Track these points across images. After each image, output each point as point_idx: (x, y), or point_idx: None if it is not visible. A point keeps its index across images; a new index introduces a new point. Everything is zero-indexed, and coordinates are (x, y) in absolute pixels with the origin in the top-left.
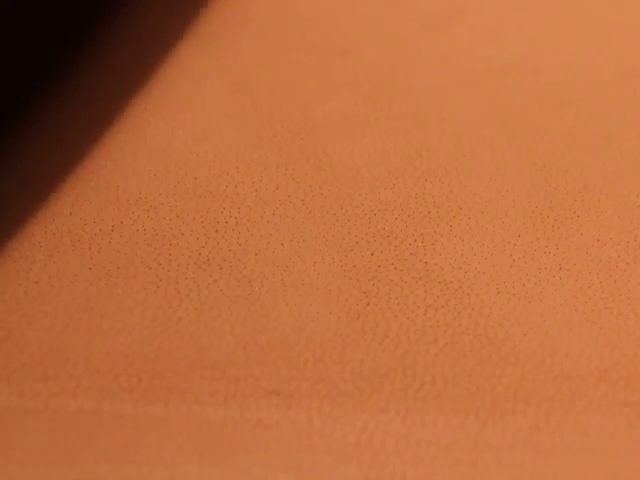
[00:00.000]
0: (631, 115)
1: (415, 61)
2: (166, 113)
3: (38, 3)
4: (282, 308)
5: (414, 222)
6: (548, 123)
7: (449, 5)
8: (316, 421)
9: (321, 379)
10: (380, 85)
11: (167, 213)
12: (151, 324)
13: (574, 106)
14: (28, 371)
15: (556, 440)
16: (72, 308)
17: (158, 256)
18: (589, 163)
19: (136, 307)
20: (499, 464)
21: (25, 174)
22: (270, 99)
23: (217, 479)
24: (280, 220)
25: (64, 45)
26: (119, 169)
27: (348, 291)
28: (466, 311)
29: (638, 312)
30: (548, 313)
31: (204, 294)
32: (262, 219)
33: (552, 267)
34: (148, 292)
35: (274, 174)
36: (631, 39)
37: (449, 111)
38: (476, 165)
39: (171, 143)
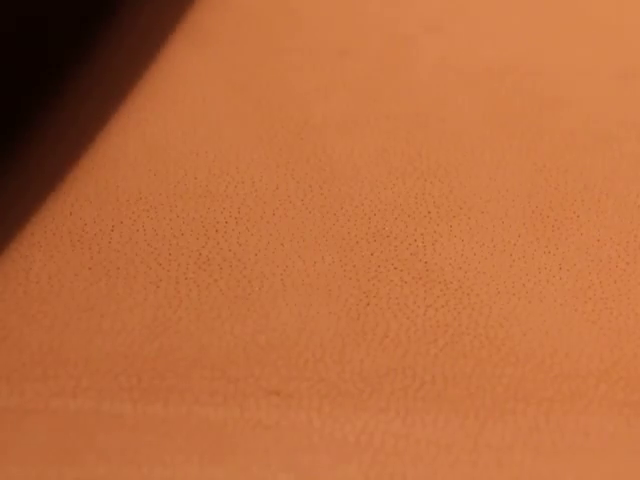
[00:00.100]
0: (631, 115)
1: (415, 61)
2: (166, 113)
3: (39, 4)
4: (282, 308)
5: (414, 222)
6: (548, 123)
7: (449, 5)
8: (316, 421)
9: (321, 379)
10: (380, 85)
11: (167, 213)
12: (151, 324)
13: (574, 106)
14: (28, 371)
15: (556, 440)
16: (72, 308)
17: (158, 256)
18: (589, 163)
19: (136, 307)
20: (499, 464)
21: (25, 174)
22: (270, 99)
23: (217, 479)
24: (280, 220)
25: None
26: (119, 169)
27: (348, 291)
28: (466, 311)
29: (638, 312)
30: (548, 313)
31: (204, 294)
32: (262, 219)
33: (552, 267)
34: (148, 292)
35: (274, 174)
36: (631, 39)
37: (449, 111)
38: (476, 165)
39: (171, 143)
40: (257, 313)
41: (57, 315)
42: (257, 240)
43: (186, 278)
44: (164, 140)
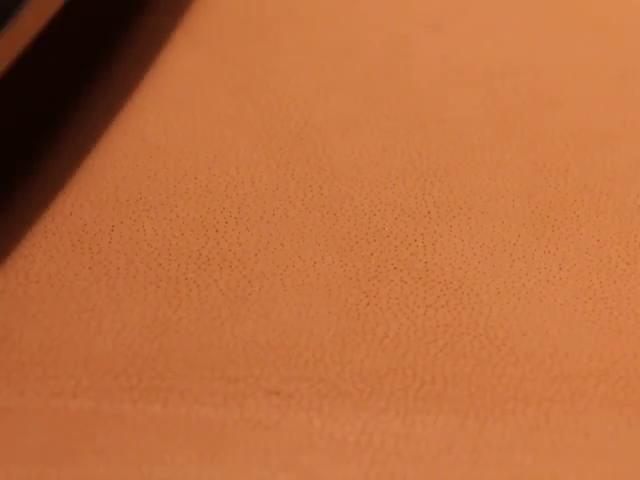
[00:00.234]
0: (631, 115)
1: (415, 61)
2: (166, 113)
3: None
4: (282, 308)
5: (414, 222)
6: (548, 123)
7: (449, 5)
8: (316, 421)
9: (321, 379)
10: (380, 85)
11: (167, 213)
12: (151, 324)
13: (574, 106)
14: (28, 371)
15: (556, 440)
16: (72, 308)
17: (158, 256)
18: (589, 163)
19: (136, 307)
20: (499, 464)
21: (25, 174)
22: (270, 99)
23: (217, 479)
24: (280, 220)
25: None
26: (119, 169)
27: (348, 291)
28: (466, 311)
29: (638, 312)
30: (548, 313)
31: (204, 294)
32: (262, 219)
33: (552, 267)
34: (148, 292)
35: (274, 174)
36: (631, 39)
37: (449, 111)
38: (476, 165)
39: (171, 143)
40: (257, 313)
41: (57, 315)
42: (257, 240)
43: (186, 278)
44: (164, 140)
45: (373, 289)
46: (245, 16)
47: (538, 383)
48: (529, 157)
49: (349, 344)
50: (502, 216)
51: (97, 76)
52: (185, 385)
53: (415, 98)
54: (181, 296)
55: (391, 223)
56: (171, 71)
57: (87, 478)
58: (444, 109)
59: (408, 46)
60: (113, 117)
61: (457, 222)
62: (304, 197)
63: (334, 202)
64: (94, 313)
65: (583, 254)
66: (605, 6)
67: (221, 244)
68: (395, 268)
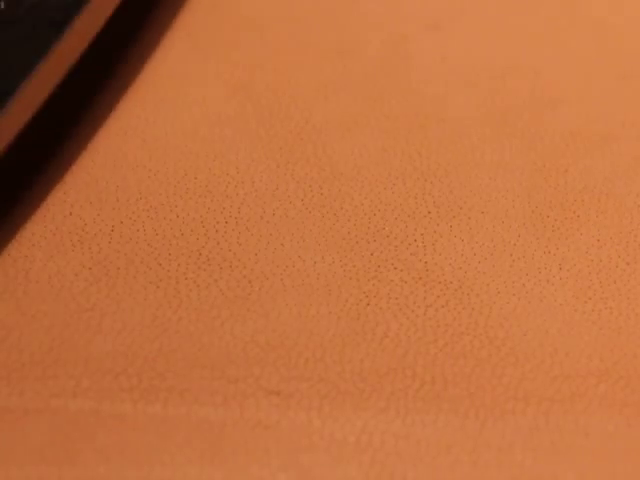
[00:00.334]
0: (631, 115)
1: (415, 61)
2: (166, 113)
3: None
4: (282, 308)
5: (414, 222)
6: (548, 123)
7: (449, 5)
8: (316, 421)
9: (321, 379)
10: (380, 85)
11: (167, 213)
12: (151, 324)
13: (574, 106)
14: (28, 371)
15: (556, 440)
16: (72, 308)
17: (158, 256)
18: (589, 163)
19: (136, 307)
20: (499, 464)
21: (25, 174)
22: (270, 99)
23: (217, 479)
24: (280, 220)
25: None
26: (119, 169)
27: (348, 291)
28: (466, 311)
29: (638, 312)
30: (548, 313)
31: (204, 294)
32: (262, 219)
33: (552, 267)
34: (148, 292)
35: (274, 174)
36: (631, 39)
37: (449, 111)
38: (476, 165)
39: (171, 143)
40: (257, 313)
41: (57, 315)
42: (257, 240)
43: (186, 278)
44: (164, 140)
45: (373, 289)
46: (245, 16)
47: (538, 383)
48: (529, 157)
49: (349, 344)
50: (502, 216)
51: (97, 76)
52: (185, 385)
53: (415, 98)
54: (181, 296)
55: (391, 223)
56: (171, 71)
57: (87, 478)
58: (444, 109)
59: (408, 46)
60: (113, 117)
61: (457, 222)
62: (304, 197)
63: (334, 202)
64: (94, 313)
65: (583, 254)
66: (605, 6)
67: (221, 244)
68: (395, 268)
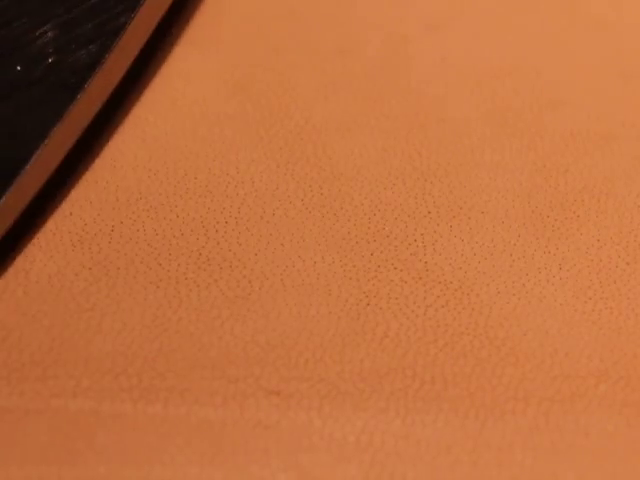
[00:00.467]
0: (631, 115)
1: (415, 61)
2: (166, 113)
3: None
4: (282, 308)
5: (414, 222)
6: (548, 123)
7: (449, 5)
8: (316, 421)
9: (321, 379)
10: (380, 85)
11: (167, 213)
12: (151, 324)
13: (574, 106)
14: (28, 371)
15: (556, 440)
16: (72, 308)
17: (158, 256)
18: (589, 163)
19: (136, 307)
20: (499, 464)
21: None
22: (270, 99)
23: (217, 479)
24: (280, 220)
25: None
26: (119, 169)
27: (348, 291)
28: (466, 311)
29: (638, 312)
30: (548, 313)
31: (204, 294)
32: (262, 219)
33: (552, 267)
34: (148, 292)
35: (274, 174)
36: (631, 39)
37: (449, 111)
38: (476, 165)
39: (171, 143)
40: (257, 313)
41: (57, 315)
42: (257, 240)
43: (186, 278)
44: (164, 140)
45: (373, 289)
46: (245, 16)
47: (538, 383)
48: (529, 157)
49: (349, 344)
50: (502, 216)
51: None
52: (185, 385)
53: (415, 98)
54: (181, 296)
55: (391, 223)
56: (171, 71)
57: (87, 478)
58: (444, 109)
59: (408, 46)
60: (113, 117)
61: (457, 222)
62: (304, 197)
63: (334, 202)
64: (94, 313)
65: (583, 254)
66: (605, 6)
67: (221, 244)
68: (395, 268)
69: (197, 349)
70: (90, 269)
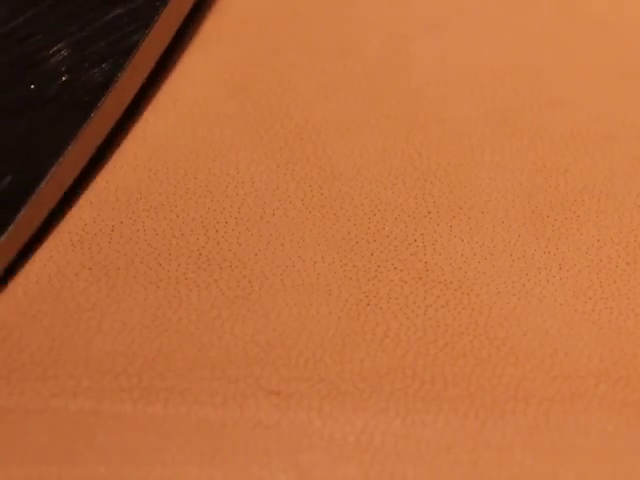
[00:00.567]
0: (631, 115)
1: (415, 61)
2: (166, 113)
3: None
4: (282, 308)
5: (414, 222)
6: (548, 123)
7: (449, 5)
8: (316, 421)
9: (321, 379)
10: (380, 85)
11: (167, 213)
12: (151, 324)
13: (574, 106)
14: (28, 371)
15: (556, 440)
16: (72, 308)
17: (158, 256)
18: (589, 163)
19: (136, 307)
20: (499, 464)
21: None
22: (270, 99)
23: (217, 479)
24: (280, 220)
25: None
26: (119, 169)
27: (348, 291)
28: (466, 311)
29: (638, 312)
30: (548, 313)
31: (204, 294)
32: (262, 219)
33: (552, 267)
34: (148, 292)
35: (274, 174)
36: (631, 39)
37: (449, 111)
38: (476, 165)
39: (171, 143)
40: (257, 313)
41: (57, 315)
42: (257, 240)
43: (186, 278)
44: (164, 140)
45: (373, 289)
46: (245, 16)
47: (538, 383)
48: (529, 157)
49: (349, 344)
50: (502, 216)
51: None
52: (185, 385)
53: (415, 98)
54: (181, 296)
55: (391, 223)
56: (171, 71)
57: (87, 478)
58: (444, 109)
59: (408, 46)
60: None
61: (457, 222)
62: (304, 197)
63: (334, 202)
64: (94, 313)
65: (583, 254)
66: (605, 6)
67: (221, 244)
68: (395, 268)
69: (197, 349)
70: (90, 269)
